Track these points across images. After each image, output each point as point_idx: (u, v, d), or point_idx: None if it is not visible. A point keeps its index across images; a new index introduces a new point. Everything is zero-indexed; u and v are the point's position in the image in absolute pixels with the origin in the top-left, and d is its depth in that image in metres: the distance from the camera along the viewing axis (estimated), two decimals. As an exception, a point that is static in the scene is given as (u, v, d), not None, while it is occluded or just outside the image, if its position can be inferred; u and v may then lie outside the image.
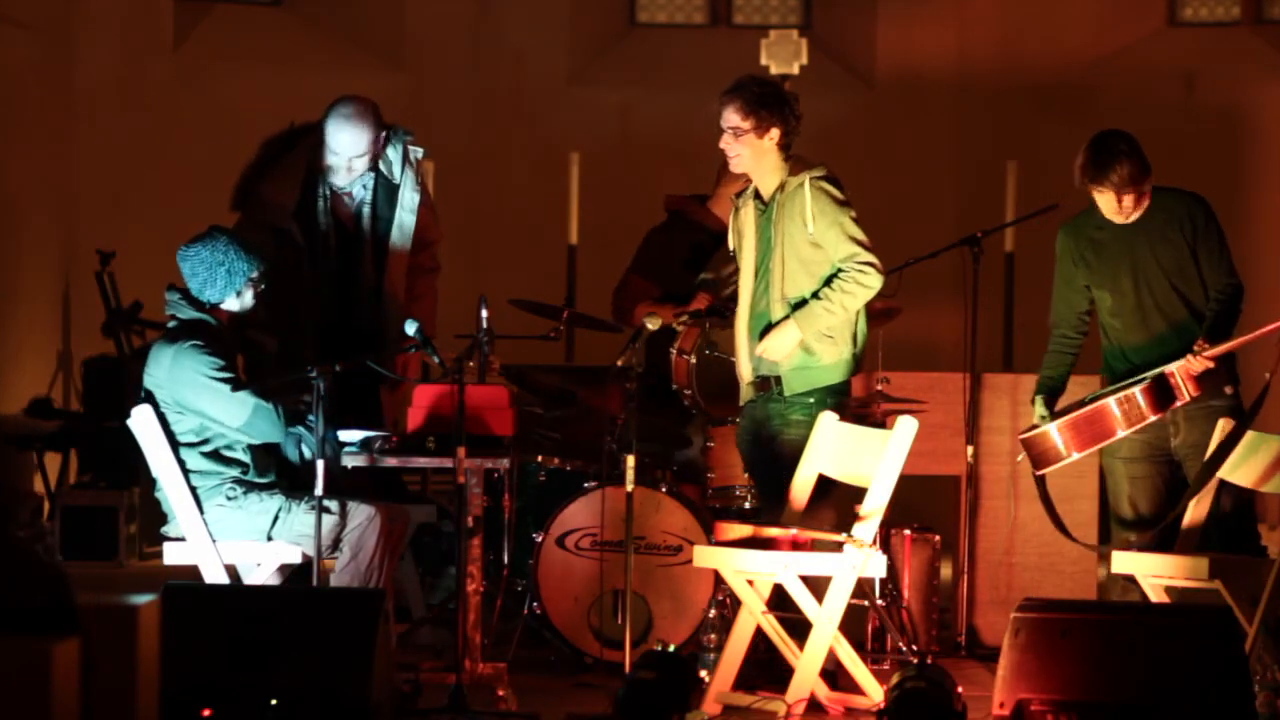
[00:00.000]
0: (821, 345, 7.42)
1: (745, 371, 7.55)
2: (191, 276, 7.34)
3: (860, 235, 7.40)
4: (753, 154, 7.49)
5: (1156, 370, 7.32)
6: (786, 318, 7.39)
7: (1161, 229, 7.49)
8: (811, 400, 7.43)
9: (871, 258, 7.37)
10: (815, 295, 7.38)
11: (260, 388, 7.22)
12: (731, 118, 7.49)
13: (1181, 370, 7.29)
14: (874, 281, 7.37)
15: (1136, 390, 7.28)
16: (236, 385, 7.17)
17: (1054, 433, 7.39)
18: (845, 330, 7.45)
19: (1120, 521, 7.62)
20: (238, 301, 7.36)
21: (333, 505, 7.17)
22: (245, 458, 7.26)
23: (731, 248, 7.72)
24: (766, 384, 7.52)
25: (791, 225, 7.41)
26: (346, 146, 8.08)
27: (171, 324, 7.36)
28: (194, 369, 7.17)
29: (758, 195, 7.57)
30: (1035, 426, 7.52)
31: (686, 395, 8.21)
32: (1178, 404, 7.32)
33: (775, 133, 7.48)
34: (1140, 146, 7.51)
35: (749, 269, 7.57)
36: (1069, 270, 7.68)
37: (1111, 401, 7.32)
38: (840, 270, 7.37)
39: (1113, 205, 7.49)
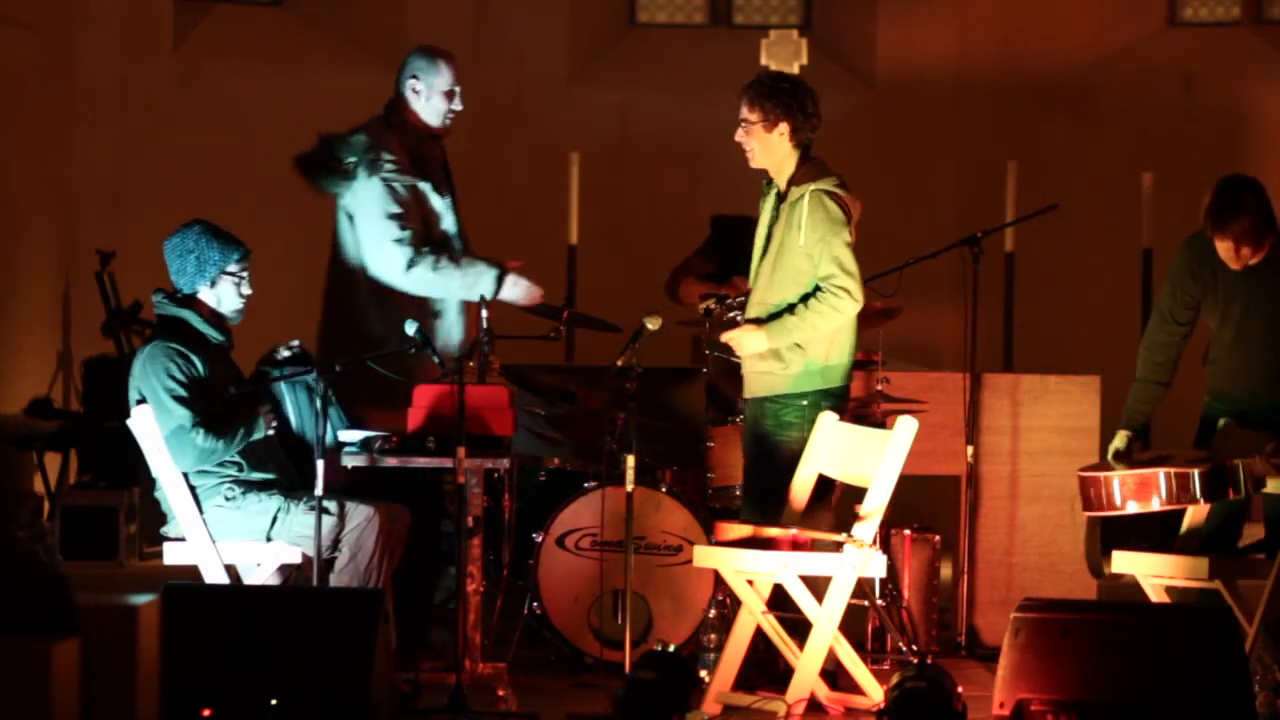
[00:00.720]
0: (789, 354, 7.43)
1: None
2: (169, 268, 7.39)
3: (845, 259, 7.37)
4: (762, 148, 7.51)
5: (1222, 462, 7.20)
6: (761, 321, 7.42)
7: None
8: (801, 405, 7.43)
9: (849, 284, 7.35)
10: (791, 308, 7.40)
11: (207, 408, 7.16)
12: (741, 109, 7.53)
13: (1245, 468, 7.13)
14: (848, 308, 7.37)
15: (1195, 472, 7.15)
16: (182, 400, 7.13)
17: (1115, 483, 7.29)
18: (820, 343, 7.43)
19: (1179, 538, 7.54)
20: (213, 294, 7.34)
21: (332, 505, 7.17)
22: (237, 457, 7.26)
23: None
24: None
25: (790, 233, 7.44)
26: (450, 73, 7.88)
27: (155, 323, 7.39)
28: (153, 369, 7.17)
29: (777, 189, 7.60)
30: (1097, 466, 7.44)
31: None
32: (1230, 496, 7.17)
33: (784, 127, 7.49)
34: (1266, 196, 7.35)
35: (757, 256, 7.61)
36: (1185, 283, 7.54)
37: (1163, 474, 7.18)
38: (818, 289, 7.39)
39: (1230, 253, 7.37)
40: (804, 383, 7.43)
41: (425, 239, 7.73)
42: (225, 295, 7.36)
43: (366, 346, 7.51)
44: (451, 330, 7.83)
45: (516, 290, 7.84)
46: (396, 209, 7.69)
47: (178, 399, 7.13)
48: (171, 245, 7.39)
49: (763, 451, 7.47)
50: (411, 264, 7.65)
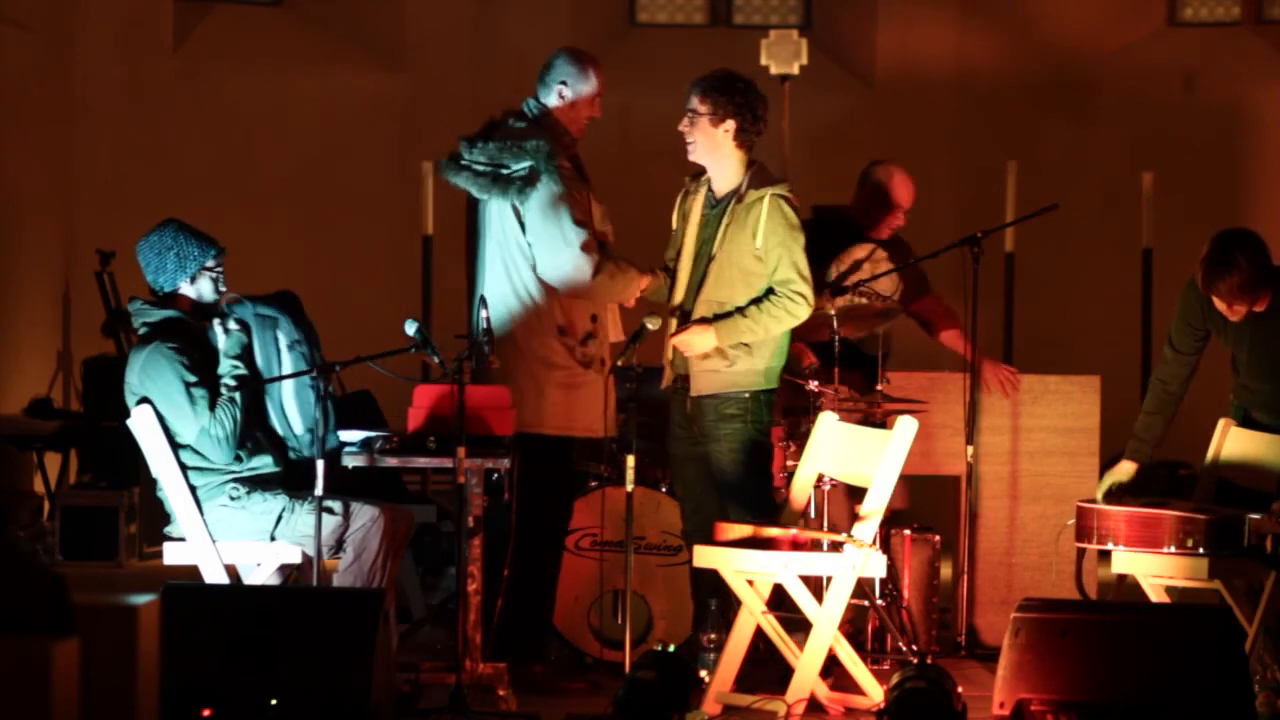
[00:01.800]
0: (735, 351, 7.51)
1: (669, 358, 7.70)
2: (145, 267, 7.36)
3: (803, 265, 7.49)
4: (705, 142, 7.59)
5: (1233, 512, 7.18)
6: (709, 321, 7.47)
7: None
8: (744, 399, 7.51)
9: (806, 290, 7.48)
10: (741, 310, 7.46)
11: (221, 393, 7.19)
12: (690, 99, 7.61)
13: (1254, 525, 7.10)
14: (802, 313, 7.50)
15: (1205, 520, 7.14)
16: (195, 398, 7.14)
17: (1114, 519, 7.29)
18: (766, 344, 7.53)
19: None
20: (193, 289, 7.34)
21: (336, 506, 7.17)
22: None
23: (674, 226, 7.77)
24: (686, 381, 7.65)
25: (741, 234, 7.52)
26: (597, 81, 7.81)
27: (142, 330, 7.34)
28: (162, 372, 7.16)
29: (710, 188, 7.65)
30: (1094, 501, 7.45)
31: None
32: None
33: (730, 124, 7.56)
34: (1262, 250, 7.32)
35: (688, 255, 7.65)
36: (1194, 319, 7.52)
37: (1172, 518, 7.18)
38: (772, 292, 7.46)
39: (1224, 308, 7.38)
40: (747, 381, 7.54)
41: (601, 244, 7.60)
42: (204, 291, 7.35)
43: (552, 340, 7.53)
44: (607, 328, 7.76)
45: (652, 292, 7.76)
46: (580, 215, 7.53)
47: (195, 399, 7.13)
48: (149, 244, 7.36)
49: (707, 448, 7.56)
50: (597, 269, 7.49)
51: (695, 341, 7.51)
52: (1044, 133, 12.74)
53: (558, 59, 7.78)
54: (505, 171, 7.56)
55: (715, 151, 7.57)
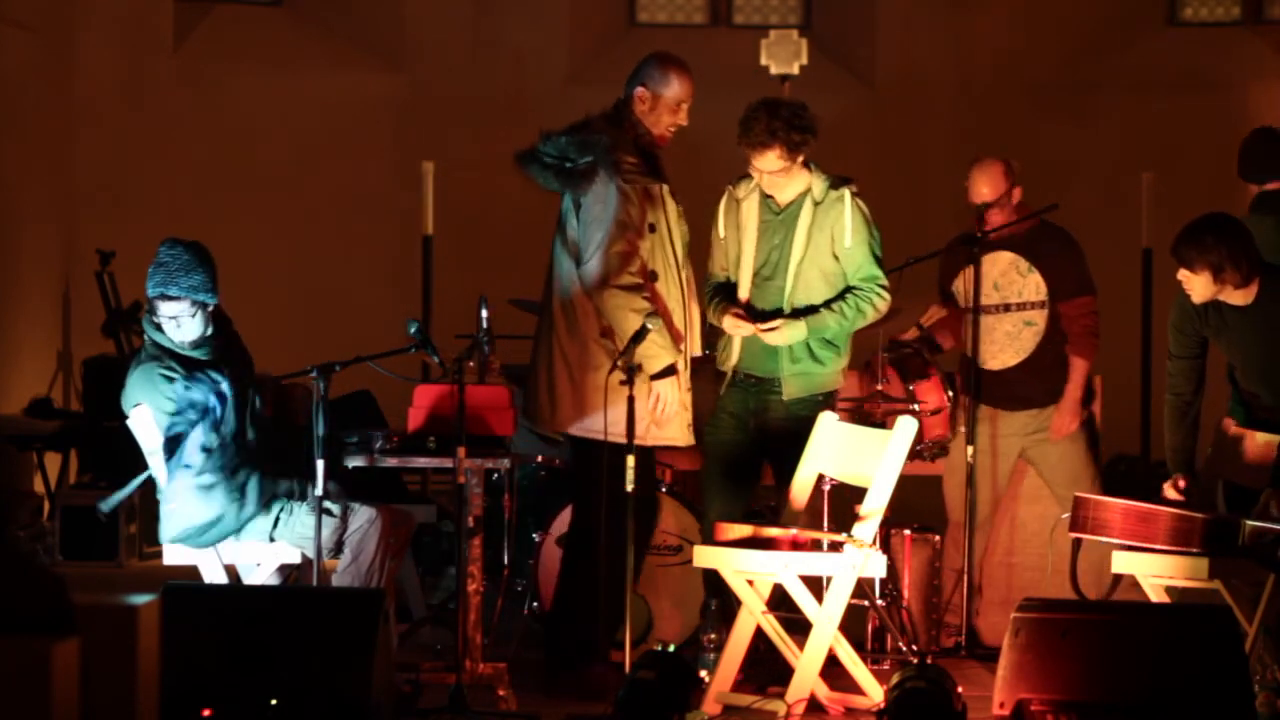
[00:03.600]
0: (826, 352, 7.61)
1: (729, 362, 7.71)
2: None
3: (881, 259, 7.63)
4: (789, 177, 7.64)
5: (1229, 514, 7.18)
6: (795, 316, 7.54)
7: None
8: (813, 404, 7.52)
9: (887, 283, 7.63)
10: (828, 305, 7.55)
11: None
12: (774, 163, 7.58)
13: (1250, 530, 7.07)
14: (884, 307, 7.64)
15: (1201, 519, 7.13)
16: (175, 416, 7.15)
17: (1115, 511, 7.27)
18: (845, 340, 7.67)
19: None
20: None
21: (335, 507, 7.17)
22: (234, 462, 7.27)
23: (721, 235, 7.76)
24: (761, 382, 7.62)
25: (821, 235, 7.59)
26: (679, 86, 7.68)
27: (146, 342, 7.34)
28: (149, 394, 7.16)
29: (763, 194, 7.64)
30: (1099, 498, 7.43)
31: None
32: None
33: (806, 152, 7.64)
34: (1235, 237, 7.28)
35: (749, 265, 7.63)
36: (1188, 325, 7.49)
37: (1169, 514, 7.18)
38: (858, 289, 7.58)
39: (1183, 283, 7.36)
40: (835, 381, 7.69)
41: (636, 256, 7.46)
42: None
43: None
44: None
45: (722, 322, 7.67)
46: (625, 217, 7.42)
47: (172, 416, 7.12)
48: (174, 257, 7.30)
49: (780, 447, 7.61)
50: (607, 280, 7.39)
51: (788, 333, 7.54)
52: (1044, 133, 12.74)
53: (645, 60, 7.71)
54: (568, 165, 7.51)
55: (790, 173, 7.63)
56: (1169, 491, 7.43)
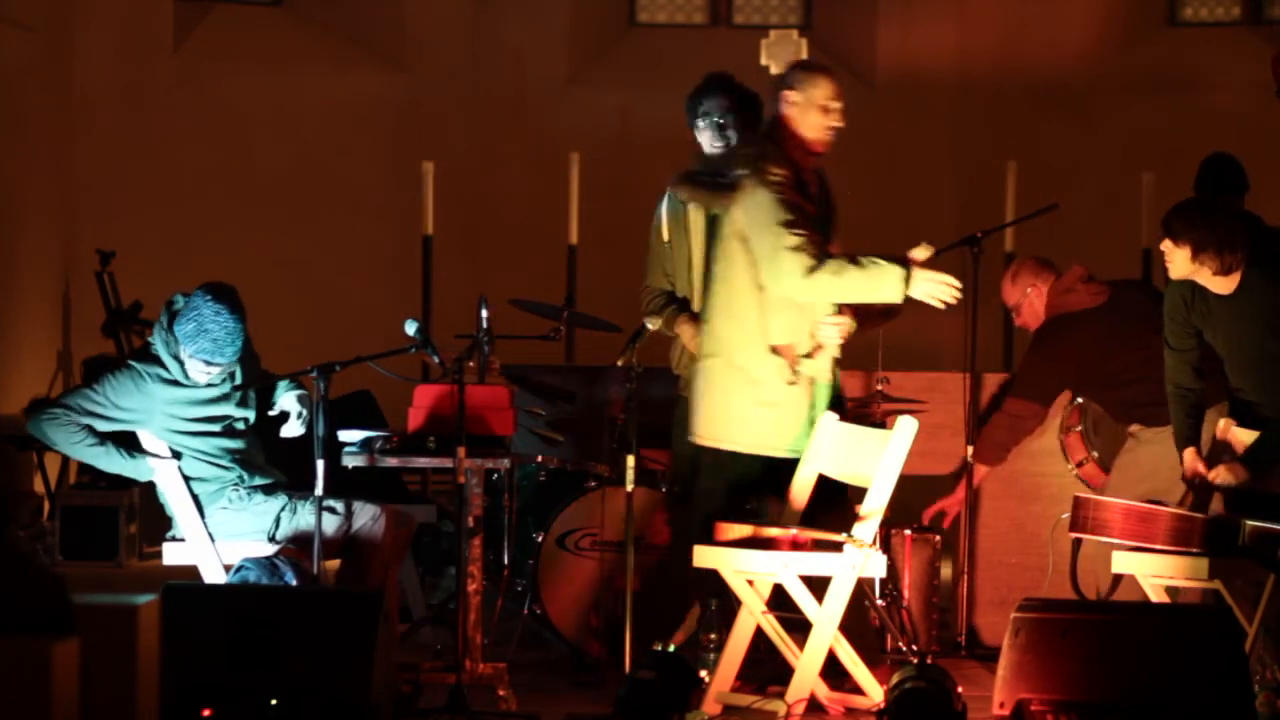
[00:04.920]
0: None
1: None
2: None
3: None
4: None
5: (1229, 514, 7.19)
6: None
7: (1261, 313, 7.37)
8: None
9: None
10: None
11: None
12: (724, 117, 7.61)
13: (1250, 530, 7.07)
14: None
15: (1201, 519, 7.12)
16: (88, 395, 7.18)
17: (1115, 511, 7.27)
18: None
19: None
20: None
21: (339, 505, 7.18)
22: (236, 466, 7.27)
23: (665, 239, 7.77)
24: None
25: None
26: (828, 86, 7.56)
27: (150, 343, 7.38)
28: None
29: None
30: (1099, 498, 7.43)
31: None
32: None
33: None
34: (1224, 223, 7.32)
35: (700, 264, 7.67)
36: (1180, 315, 7.51)
37: (1169, 514, 7.19)
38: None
39: (1168, 248, 7.37)
40: None
41: (821, 245, 7.38)
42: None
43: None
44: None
45: (925, 287, 7.28)
46: (788, 215, 7.28)
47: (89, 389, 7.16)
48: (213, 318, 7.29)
49: None
50: (811, 270, 7.25)
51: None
52: (1044, 133, 12.73)
53: (789, 70, 7.64)
54: (721, 180, 7.42)
55: None
56: (1190, 461, 7.43)
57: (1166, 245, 7.36)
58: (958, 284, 7.26)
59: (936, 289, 7.22)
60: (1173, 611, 6.90)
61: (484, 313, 7.33)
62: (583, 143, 11.46)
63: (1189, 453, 7.45)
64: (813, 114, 7.47)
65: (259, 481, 7.30)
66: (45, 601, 4.80)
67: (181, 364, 7.20)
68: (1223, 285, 7.34)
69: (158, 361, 7.23)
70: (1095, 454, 8.45)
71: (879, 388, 8.34)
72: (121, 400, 7.17)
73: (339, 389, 7.35)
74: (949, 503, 8.47)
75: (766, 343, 7.34)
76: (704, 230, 7.66)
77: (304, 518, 7.19)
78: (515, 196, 12.60)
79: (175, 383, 7.21)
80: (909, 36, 13.12)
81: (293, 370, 7.46)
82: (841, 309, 7.41)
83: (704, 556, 7.19)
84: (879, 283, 7.21)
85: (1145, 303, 8.18)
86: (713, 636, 7.71)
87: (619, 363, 7.45)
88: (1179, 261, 7.33)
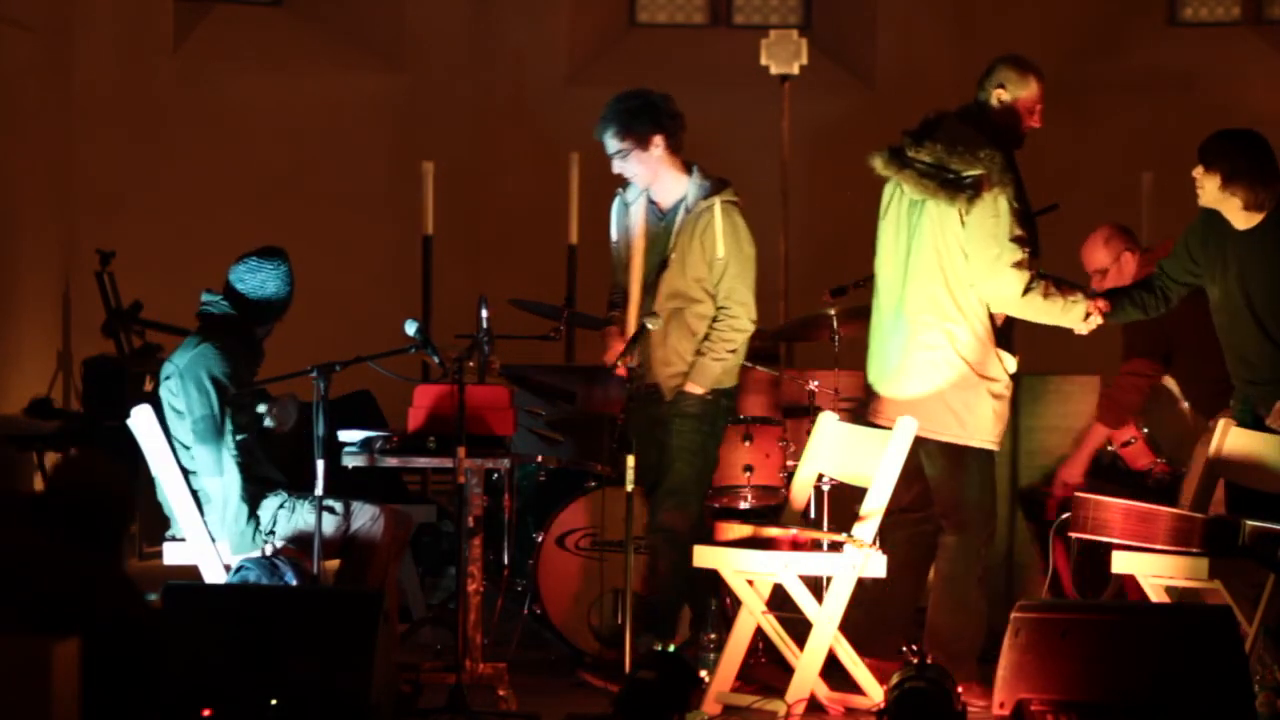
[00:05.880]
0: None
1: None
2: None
3: (747, 274, 7.62)
4: (645, 171, 7.68)
5: (1229, 514, 7.18)
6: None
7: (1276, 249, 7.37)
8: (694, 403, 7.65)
9: (749, 299, 7.62)
10: (699, 351, 7.56)
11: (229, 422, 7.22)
12: (611, 143, 7.69)
13: (1250, 530, 7.04)
14: (745, 329, 7.65)
15: (1201, 519, 7.13)
16: (212, 420, 7.17)
17: (1115, 511, 7.27)
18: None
19: None
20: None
21: (338, 505, 7.18)
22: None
23: (614, 240, 7.80)
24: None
25: (694, 244, 7.61)
26: (1037, 88, 7.63)
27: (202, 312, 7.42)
28: (201, 371, 7.20)
29: (652, 200, 7.74)
30: (1098, 494, 7.42)
31: None
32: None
33: (659, 140, 7.63)
34: (1265, 157, 7.35)
35: (639, 273, 7.73)
36: (1191, 243, 7.55)
37: (1169, 514, 7.18)
38: (717, 316, 7.59)
39: (1196, 180, 7.43)
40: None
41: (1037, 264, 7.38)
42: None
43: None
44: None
45: (1085, 327, 7.49)
46: (1019, 231, 7.29)
47: (211, 417, 7.17)
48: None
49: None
50: (1028, 289, 7.29)
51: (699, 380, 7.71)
52: (1043, 133, 12.72)
53: (998, 63, 7.54)
54: (952, 176, 7.30)
55: (656, 170, 7.68)
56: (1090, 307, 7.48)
57: (1197, 172, 7.39)
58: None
59: (1087, 327, 7.51)
60: (1173, 611, 6.90)
61: (484, 313, 7.33)
62: (583, 143, 11.42)
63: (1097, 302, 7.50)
64: (1022, 114, 7.50)
65: (256, 481, 7.30)
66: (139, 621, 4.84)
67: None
68: (1245, 220, 7.34)
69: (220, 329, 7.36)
70: (1146, 430, 8.36)
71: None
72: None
73: (339, 389, 7.35)
74: (1070, 472, 8.36)
75: (990, 334, 7.39)
76: (642, 232, 7.70)
77: (302, 517, 7.19)
78: (515, 196, 12.61)
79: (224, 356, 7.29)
80: (909, 36, 13.13)
81: (293, 370, 7.46)
82: None
83: (704, 556, 7.19)
84: (1067, 315, 7.43)
85: None
86: (713, 636, 7.71)
87: (619, 363, 7.46)
88: (1210, 189, 7.36)
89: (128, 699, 4.91)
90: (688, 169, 7.73)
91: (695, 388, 7.58)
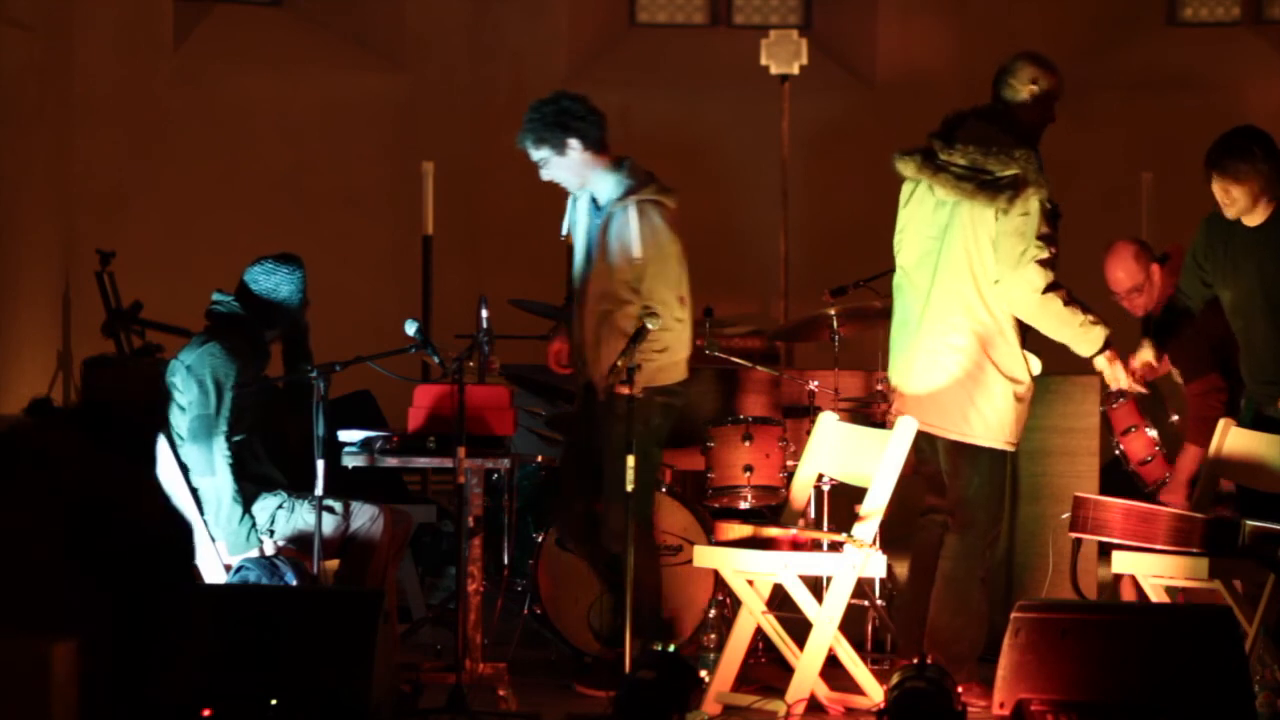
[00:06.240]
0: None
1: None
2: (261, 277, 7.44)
3: (669, 272, 7.56)
4: (569, 173, 7.68)
5: (1229, 514, 7.19)
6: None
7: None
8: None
9: (669, 296, 7.55)
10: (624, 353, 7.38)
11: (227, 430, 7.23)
12: (531, 154, 7.68)
13: (1251, 530, 7.04)
14: (671, 325, 7.56)
15: (1201, 519, 7.13)
16: (206, 420, 7.17)
17: (1115, 511, 7.28)
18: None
19: None
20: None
21: (337, 505, 7.18)
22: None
23: (564, 232, 7.80)
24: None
25: (616, 243, 7.59)
26: (1059, 84, 7.63)
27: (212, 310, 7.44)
28: (208, 367, 7.22)
29: (594, 198, 7.74)
30: (1099, 498, 7.41)
31: None
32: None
33: (573, 143, 7.64)
34: (1273, 156, 7.33)
35: (580, 267, 7.75)
36: (1198, 256, 7.55)
37: (1169, 514, 7.19)
38: (641, 314, 7.44)
39: (1221, 195, 7.38)
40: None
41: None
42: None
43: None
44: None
45: (1110, 370, 7.45)
46: (1047, 230, 7.28)
47: (208, 418, 7.17)
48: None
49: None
50: (1047, 289, 7.26)
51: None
52: (1044, 133, 12.72)
53: (1021, 60, 7.51)
54: (988, 178, 7.28)
55: (582, 172, 7.66)
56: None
57: (1222, 187, 7.35)
58: (1129, 382, 7.46)
59: (1117, 374, 7.43)
60: (1173, 611, 6.90)
61: (484, 313, 7.34)
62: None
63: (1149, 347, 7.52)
64: (1047, 111, 7.50)
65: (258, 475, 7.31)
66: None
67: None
68: (1258, 216, 7.34)
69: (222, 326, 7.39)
70: (1148, 420, 8.30)
71: (879, 388, 8.33)
72: None
73: (339, 389, 7.36)
74: (1173, 498, 8.11)
75: (1016, 335, 7.35)
76: (584, 227, 7.67)
77: (301, 517, 7.19)
78: (515, 196, 12.59)
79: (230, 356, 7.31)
80: (909, 36, 13.13)
81: (292, 370, 7.46)
82: None
83: (704, 557, 7.19)
84: (1083, 338, 7.34)
85: None
86: (713, 636, 7.71)
87: (618, 363, 7.46)
88: (1242, 200, 7.33)
89: (161, 615, 4.91)
90: (619, 164, 7.69)
91: (625, 389, 7.51)
